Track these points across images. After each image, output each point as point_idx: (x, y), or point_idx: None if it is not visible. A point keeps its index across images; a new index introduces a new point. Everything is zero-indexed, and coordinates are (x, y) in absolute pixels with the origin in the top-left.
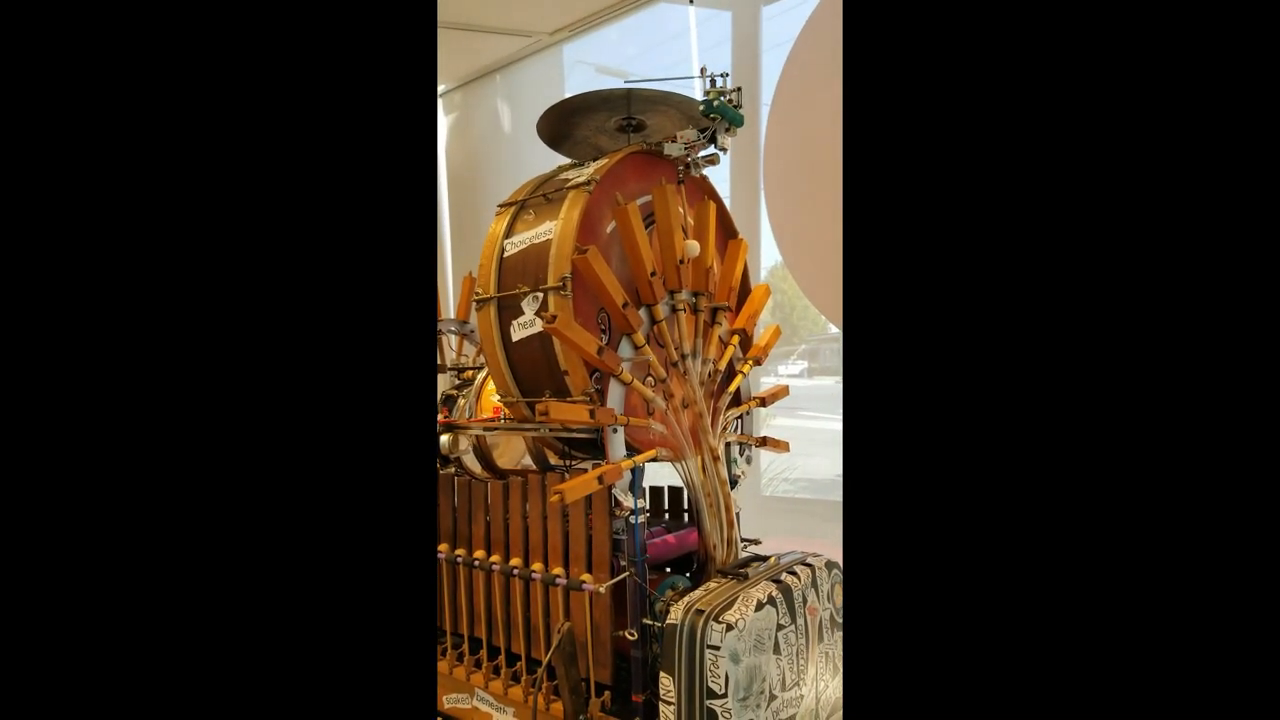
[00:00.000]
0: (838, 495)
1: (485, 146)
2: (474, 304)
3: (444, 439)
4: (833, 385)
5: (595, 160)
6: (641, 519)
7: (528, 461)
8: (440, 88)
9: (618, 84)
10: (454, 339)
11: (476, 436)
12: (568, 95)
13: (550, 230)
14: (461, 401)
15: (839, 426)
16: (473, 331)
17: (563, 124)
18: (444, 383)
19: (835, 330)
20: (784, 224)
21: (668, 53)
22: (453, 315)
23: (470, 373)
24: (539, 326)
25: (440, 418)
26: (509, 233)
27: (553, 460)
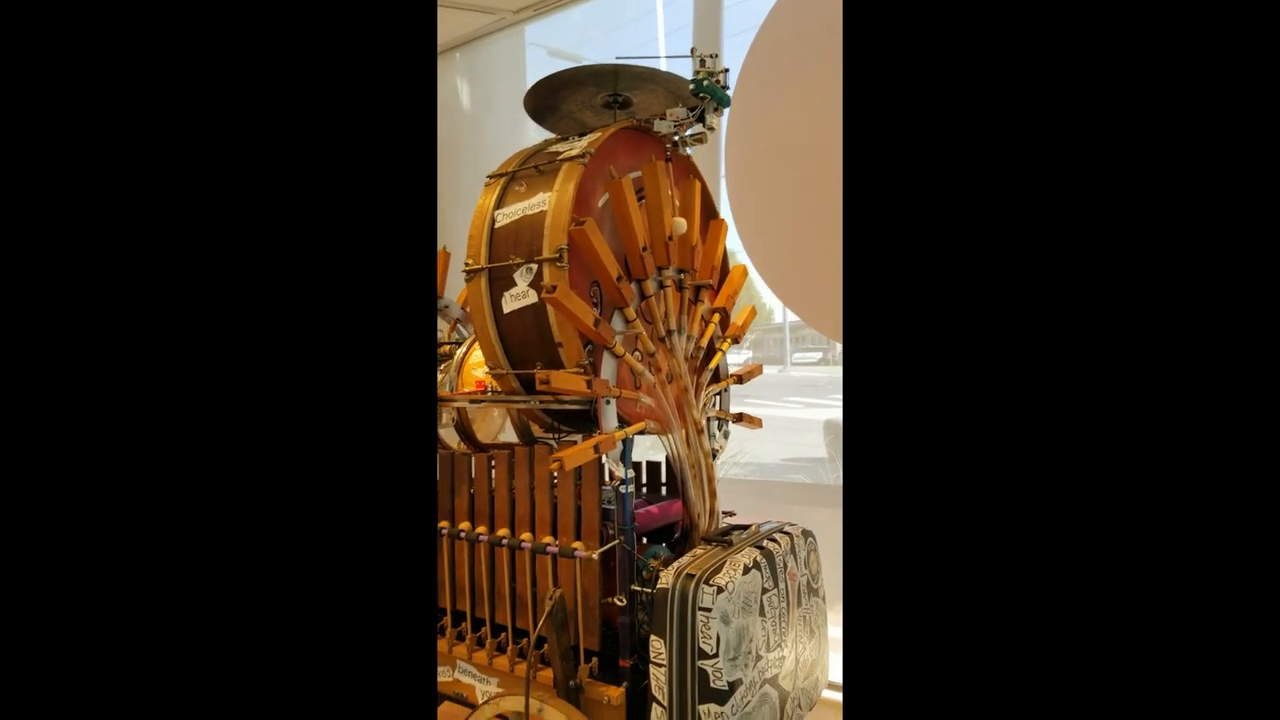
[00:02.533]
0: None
1: (443, 124)
2: (464, 275)
3: None
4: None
5: (582, 135)
6: (625, 489)
7: (506, 435)
8: None
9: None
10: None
11: (459, 410)
12: (529, 76)
13: (544, 202)
14: (441, 376)
15: (789, 413)
16: (447, 307)
17: (550, 97)
18: None
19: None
20: (745, 211)
21: (630, 35)
22: None
23: (448, 347)
24: (533, 298)
25: None
26: (500, 204)
27: (537, 433)
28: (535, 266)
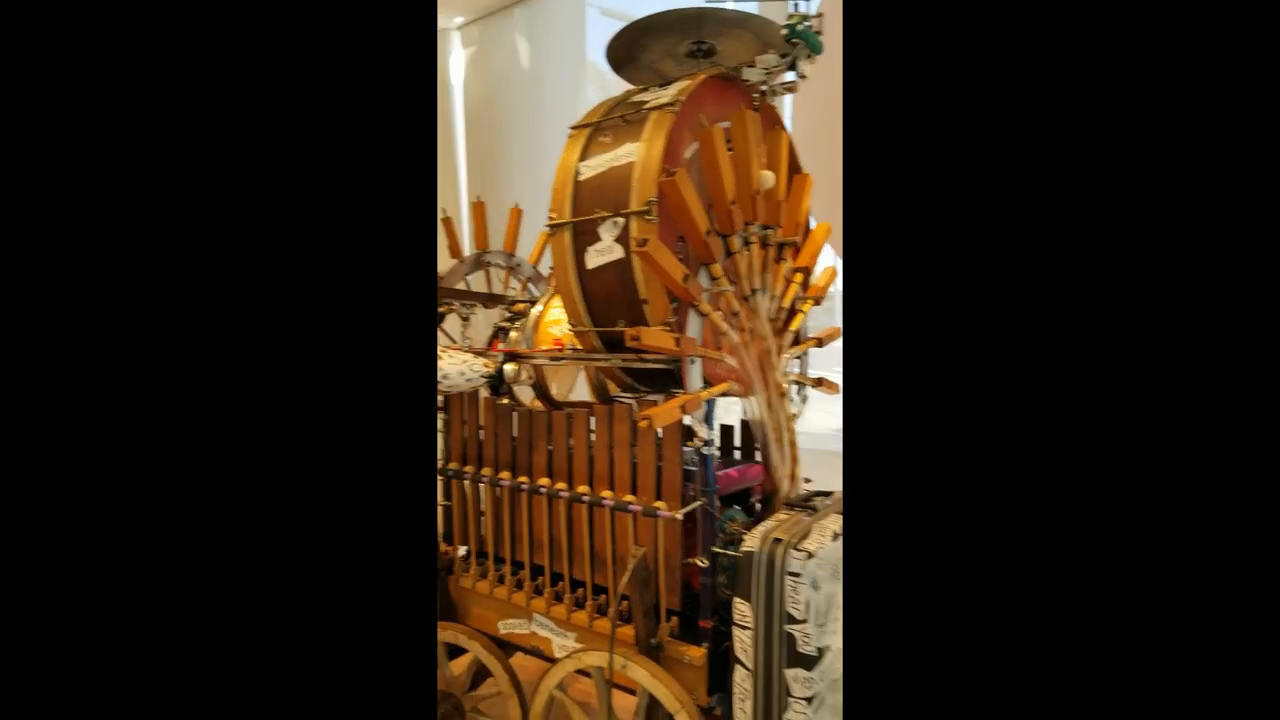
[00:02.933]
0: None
1: (503, 83)
2: (547, 230)
3: (508, 368)
4: None
5: (666, 84)
6: (708, 451)
7: (579, 393)
8: (458, 20)
9: (617, 26)
10: (502, 273)
11: (535, 368)
12: (588, 34)
13: (632, 153)
14: (515, 334)
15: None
16: (519, 265)
17: (633, 46)
18: (495, 315)
19: None
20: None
21: None
22: (500, 248)
23: (522, 305)
24: (618, 253)
25: (494, 347)
26: (584, 156)
27: (613, 392)
28: (621, 220)
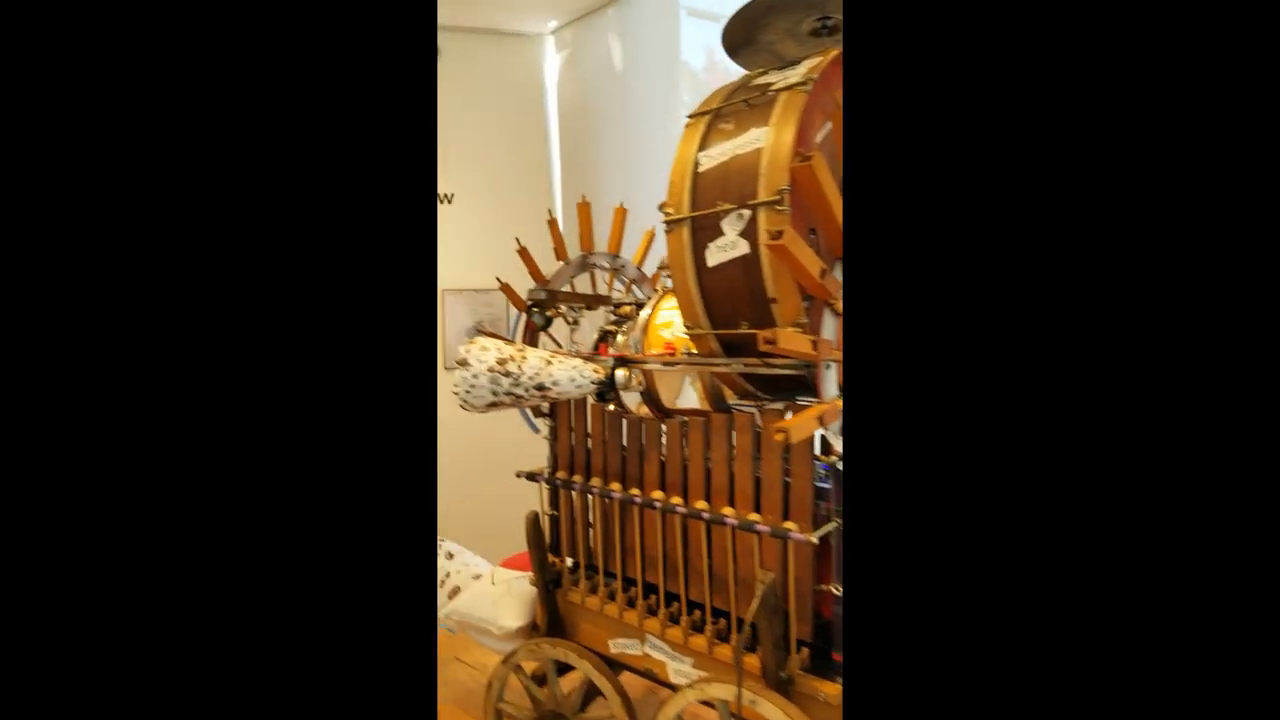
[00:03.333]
0: None
1: (595, 85)
2: (664, 227)
3: (619, 373)
4: None
5: (789, 65)
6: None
7: (686, 400)
8: (551, 24)
9: (707, 26)
10: (606, 275)
11: (645, 373)
12: (682, 34)
13: (759, 138)
14: (621, 338)
15: None
16: (624, 265)
17: (751, 27)
18: (599, 318)
19: None
20: None
21: None
22: (604, 249)
23: (627, 307)
24: (743, 248)
25: (601, 352)
26: (703, 145)
27: (730, 399)
28: (747, 213)
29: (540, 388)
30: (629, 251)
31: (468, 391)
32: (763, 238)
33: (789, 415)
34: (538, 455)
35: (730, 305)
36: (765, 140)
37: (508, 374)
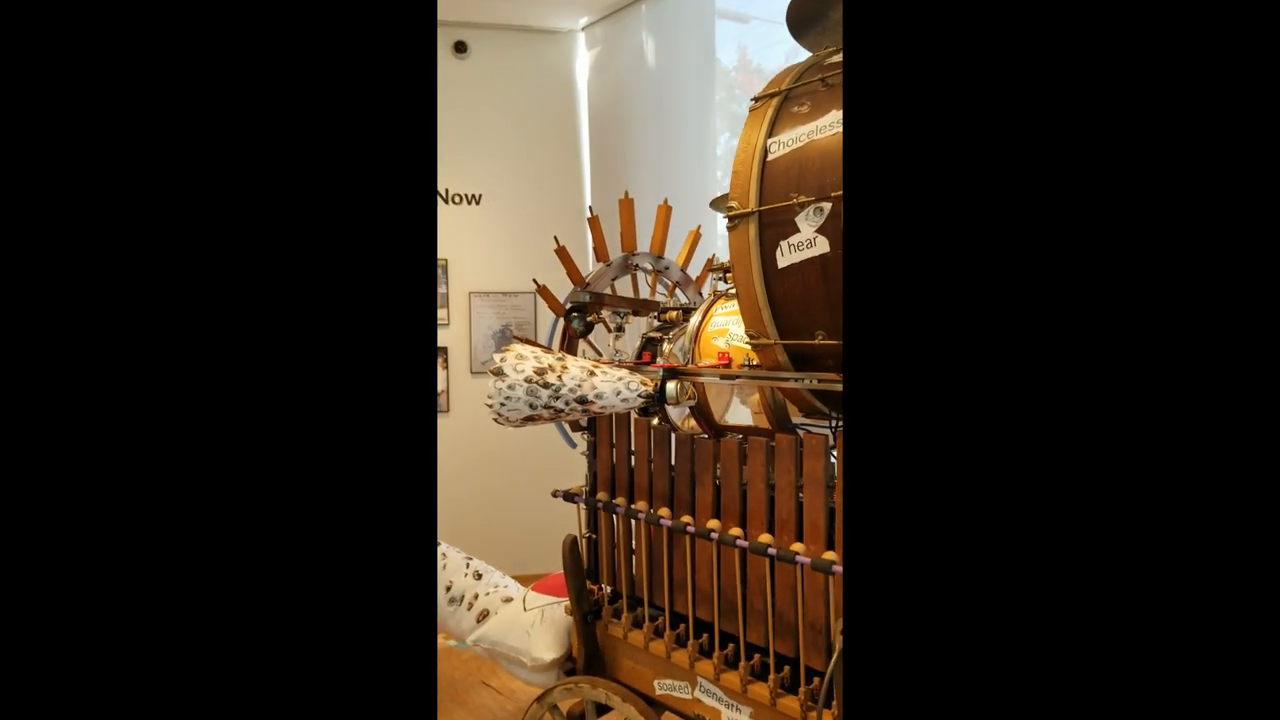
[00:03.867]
0: None
1: (627, 82)
2: (726, 224)
3: (670, 386)
4: None
5: None
6: None
7: (738, 417)
8: (582, 20)
9: (738, 27)
10: (648, 276)
11: (696, 386)
12: (717, 31)
13: (839, 121)
14: (668, 346)
15: None
16: (668, 267)
17: (815, 3)
18: (642, 324)
19: None
20: None
21: None
22: (646, 250)
23: (674, 313)
24: (823, 247)
25: (645, 361)
26: (772, 131)
27: (795, 418)
28: (827, 206)
29: (582, 401)
30: (671, 252)
31: (503, 404)
32: None
33: None
34: (574, 471)
35: (803, 312)
36: None
37: (547, 385)
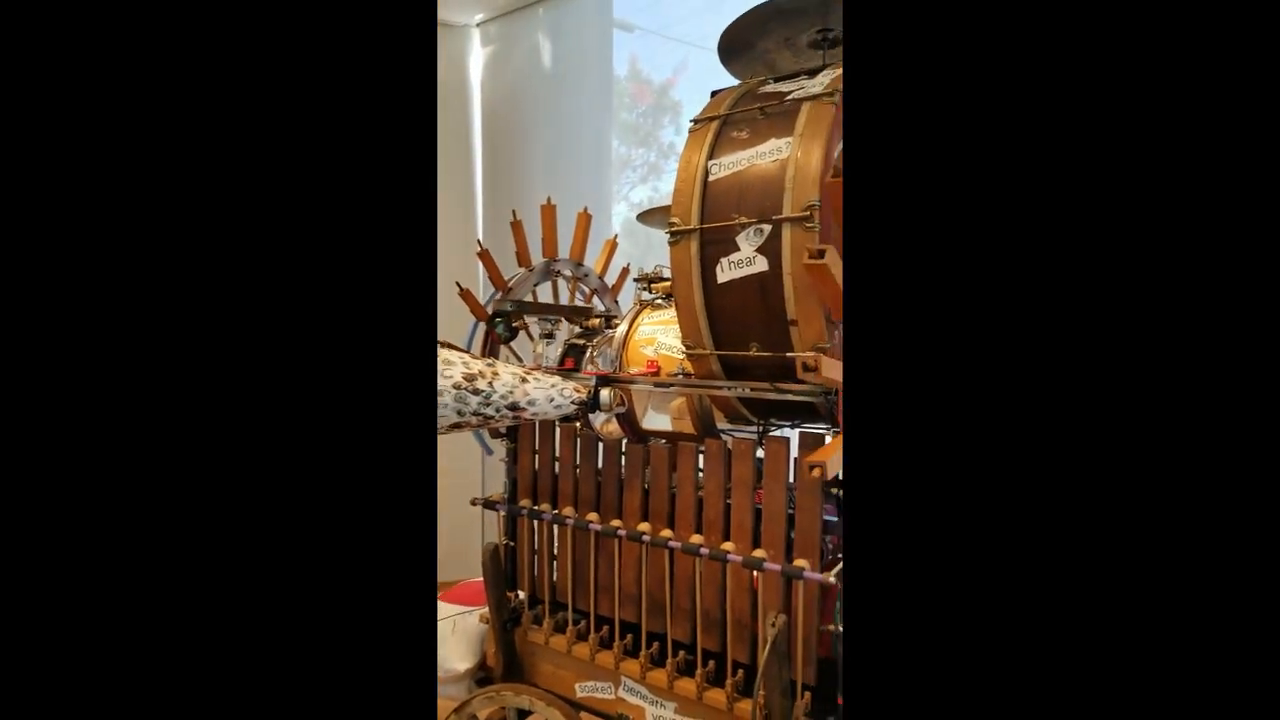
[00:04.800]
0: None
1: (523, 84)
2: (668, 239)
3: (604, 394)
4: None
5: (796, 75)
6: None
7: (658, 423)
8: (477, 16)
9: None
10: (568, 283)
11: (622, 394)
12: (616, 35)
13: (780, 149)
14: (591, 352)
15: None
16: (588, 274)
17: (749, 33)
18: (562, 331)
19: None
20: None
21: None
22: (563, 255)
23: (596, 320)
24: (761, 265)
25: (566, 367)
26: (713, 153)
27: (720, 424)
28: (768, 228)
29: (514, 408)
30: (592, 258)
31: None
32: (786, 254)
33: (791, 442)
34: (487, 477)
35: (740, 325)
36: (789, 151)
37: (477, 392)
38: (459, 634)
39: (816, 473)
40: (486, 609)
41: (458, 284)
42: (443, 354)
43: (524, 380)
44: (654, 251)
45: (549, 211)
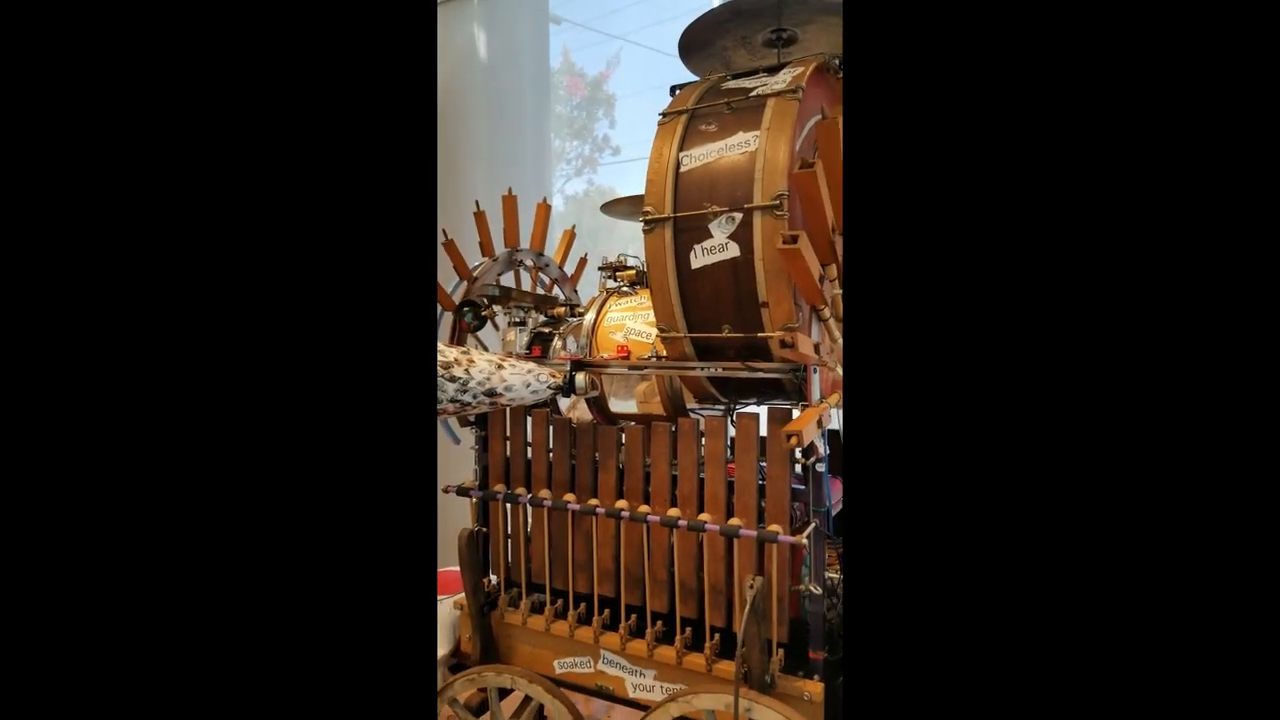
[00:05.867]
0: None
1: (459, 75)
2: (643, 227)
3: (579, 378)
4: None
5: (756, 73)
6: (821, 467)
7: (624, 407)
8: None
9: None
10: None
11: (592, 378)
12: (552, 27)
13: (749, 142)
14: (557, 341)
15: None
16: (548, 264)
17: (708, 32)
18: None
19: None
20: None
21: None
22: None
23: (561, 309)
24: (733, 251)
25: (534, 354)
26: (684, 145)
27: (689, 403)
28: (739, 215)
29: (491, 394)
30: (552, 248)
31: None
32: (757, 241)
33: (760, 416)
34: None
35: (713, 309)
36: (758, 144)
37: (454, 379)
38: None
39: (794, 441)
40: (457, 596)
41: None
42: None
43: (500, 367)
44: (596, 240)
45: (510, 201)
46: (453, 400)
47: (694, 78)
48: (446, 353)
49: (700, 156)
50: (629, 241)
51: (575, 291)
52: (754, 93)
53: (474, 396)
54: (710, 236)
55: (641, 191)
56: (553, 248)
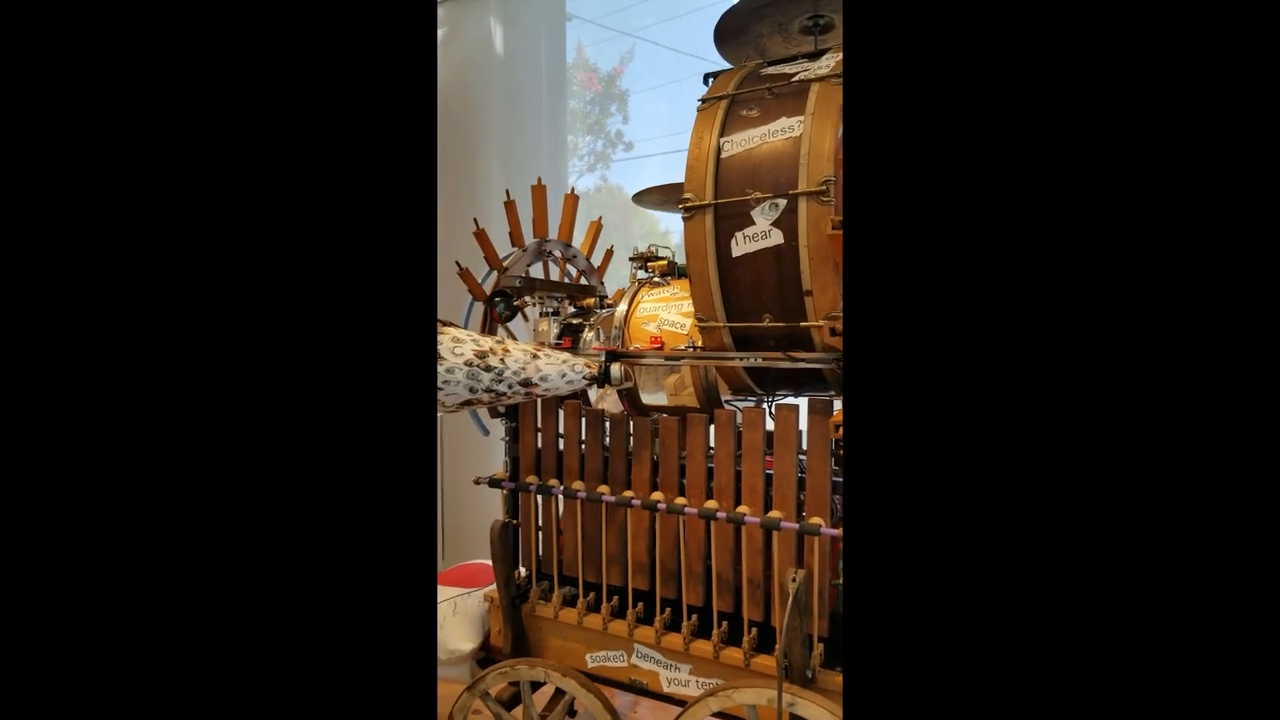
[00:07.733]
0: None
1: (475, 68)
2: (681, 214)
3: (614, 369)
4: None
5: (798, 58)
6: None
7: (655, 398)
8: None
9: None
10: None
11: (625, 368)
12: (567, 21)
13: (793, 127)
14: (588, 333)
15: None
16: (575, 255)
17: (743, 18)
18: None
19: None
20: None
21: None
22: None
23: (591, 300)
24: (777, 238)
25: (565, 345)
26: (724, 131)
27: (724, 395)
28: (783, 202)
29: (526, 384)
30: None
31: (440, 388)
32: (802, 227)
33: (800, 408)
34: (469, 458)
35: (753, 297)
36: (802, 129)
37: (489, 369)
38: (460, 615)
39: (839, 434)
40: (486, 590)
41: (457, 263)
42: (453, 332)
43: (535, 356)
44: (608, 235)
45: (539, 191)
46: (488, 390)
47: (700, 73)
48: (481, 342)
49: (742, 142)
50: (643, 238)
51: (602, 283)
52: (796, 78)
53: (509, 386)
54: (752, 224)
55: (655, 184)
56: (574, 241)
